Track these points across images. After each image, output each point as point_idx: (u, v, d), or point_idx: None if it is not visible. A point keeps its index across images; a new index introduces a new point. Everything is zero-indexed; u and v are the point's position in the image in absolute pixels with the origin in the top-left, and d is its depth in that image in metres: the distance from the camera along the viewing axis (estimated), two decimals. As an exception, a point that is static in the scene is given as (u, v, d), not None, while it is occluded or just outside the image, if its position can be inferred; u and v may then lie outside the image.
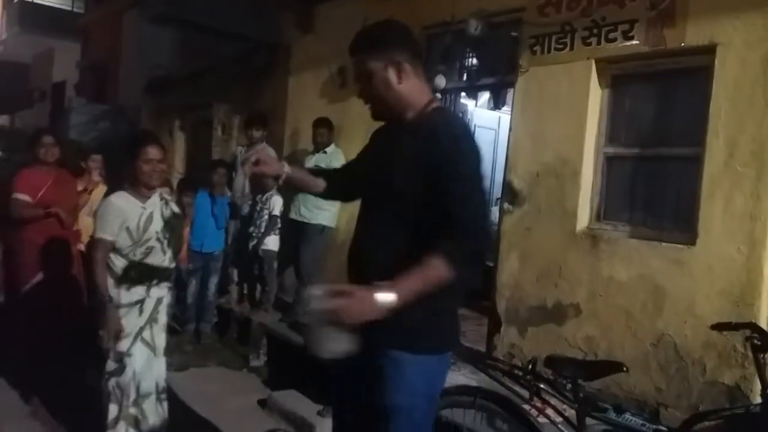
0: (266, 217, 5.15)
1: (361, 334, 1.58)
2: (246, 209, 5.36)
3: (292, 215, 4.98)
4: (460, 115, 5.70)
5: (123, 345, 2.64)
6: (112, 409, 2.64)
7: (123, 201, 2.72)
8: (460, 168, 1.68)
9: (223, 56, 7.13)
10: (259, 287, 5.40)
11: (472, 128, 5.89)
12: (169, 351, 4.62)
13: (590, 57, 3.64)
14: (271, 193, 5.16)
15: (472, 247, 1.68)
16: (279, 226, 5.18)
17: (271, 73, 6.45)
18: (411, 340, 1.68)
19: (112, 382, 2.65)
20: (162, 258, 2.74)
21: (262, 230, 5.16)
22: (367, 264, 1.75)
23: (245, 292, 5.52)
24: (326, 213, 4.81)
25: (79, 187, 4.45)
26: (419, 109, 1.77)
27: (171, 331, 5.11)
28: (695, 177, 3.21)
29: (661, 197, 3.51)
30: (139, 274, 2.68)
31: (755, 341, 2.15)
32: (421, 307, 1.62)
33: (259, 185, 1.71)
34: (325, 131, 4.91)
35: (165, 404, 2.75)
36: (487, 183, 1.89)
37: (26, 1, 14.18)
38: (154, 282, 2.72)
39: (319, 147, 4.91)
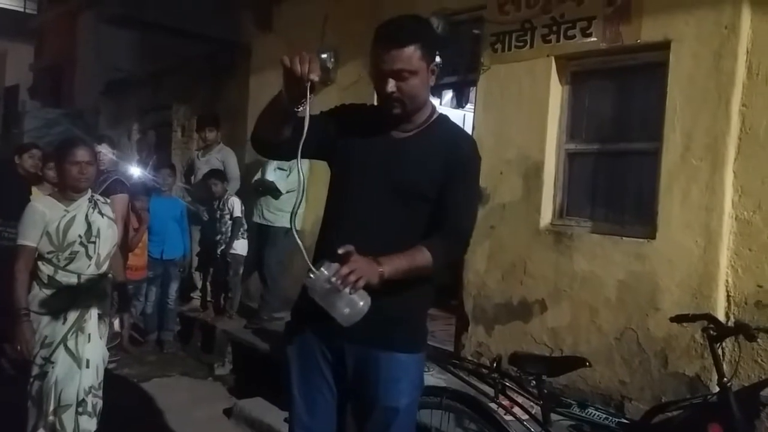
0: (228, 220, 5.06)
1: (364, 339, 1.70)
2: (206, 215, 5.26)
3: (256, 219, 4.90)
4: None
5: (45, 352, 2.56)
6: (32, 414, 2.58)
7: (45, 205, 2.63)
8: (472, 173, 1.81)
9: (182, 57, 6.97)
10: (223, 293, 5.30)
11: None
12: (130, 362, 4.63)
13: (550, 54, 3.66)
14: (226, 196, 5.09)
15: (458, 251, 1.83)
16: (245, 227, 5.10)
17: (232, 73, 6.33)
18: (414, 342, 1.80)
19: (35, 386, 2.58)
20: (87, 263, 2.64)
21: (229, 234, 5.07)
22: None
23: (209, 298, 5.41)
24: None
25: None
26: (428, 114, 1.80)
27: (133, 341, 5.04)
28: (654, 171, 3.26)
29: (622, 192, 3.55)
30: (64, 280, 2.59)
31: (711, 332, 2.18)
32: (422, 310, 1.85)
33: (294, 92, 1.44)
34: None
35: (87, 419, 2.62)
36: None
37: (-24, 3, 13.67)
38: (80, 289, 2.62)
39: None
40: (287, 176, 4.68)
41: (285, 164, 4.65)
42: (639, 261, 3.22)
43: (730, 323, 2.81)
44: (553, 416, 2.26)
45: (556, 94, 3.72)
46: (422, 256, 1.65)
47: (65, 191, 2.67)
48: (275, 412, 3.57)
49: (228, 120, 5.92)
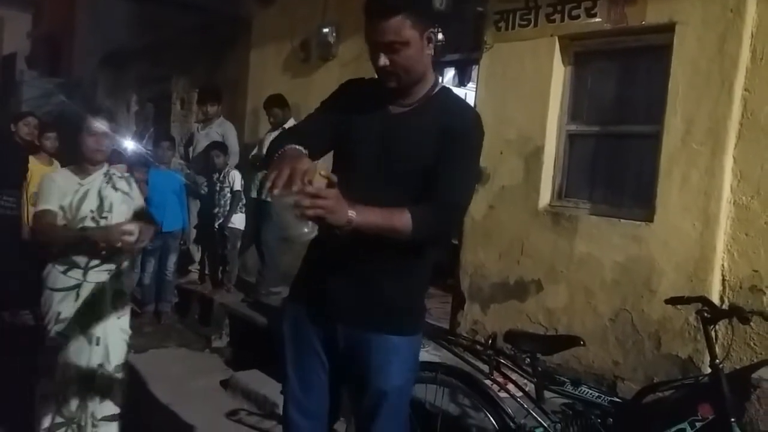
0: (228, 194, 5.06)
1: (356, 322, 1.70)
2: (205, 189, 5.25)
3: (254, 194, 4.89)
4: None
5: (59, 327, 2.56)
6: (43, 387, 2.60)
7: (62, 177, 2.63)
8: (471, 146, 1.70)
9: (182, 28, 6.88)
10: (221, 267, 5.32)
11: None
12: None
13: (554, 34, 3.62)
14: (227, 169, 5.07)
15: (446, 225, 1.75)
16: (244, 201, 5.10)
17: (232, 46, 6.27)
18: (407, 324, 1.76)
19: (47, 360, 2.59)
20: None
21: (227, 208, 5.07)
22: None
23: (207, 272, 5.43)
24: (289, 191, 4.73)
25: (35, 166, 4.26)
26: (429, 87, 1.72)
27: (132, 313, 5.06)
28: (654, 154, 3.26)
29: (621, 175, 3.56)
30: (76, 256, 2.57)
31: (705, 314, 2.20)
32: (417, 293, 1.79)
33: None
34: (278, 111, 4.78)
35: (96, 395, 2.65)
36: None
37: (-29, -32, 13.39)
38: (92, 265, 2.60)
39: (277, 125, 4.78)
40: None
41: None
42: (636, 243, 3.24)
43: (725, 306, 2.84)
44: (547, 394, 2.29)
45: (559, 74, 3.69)
46: (401, 218, 1.55)
47: (81, 163, 2.65)
48: (271, 384, 3.61)
49: (227, 93, 5.87)
